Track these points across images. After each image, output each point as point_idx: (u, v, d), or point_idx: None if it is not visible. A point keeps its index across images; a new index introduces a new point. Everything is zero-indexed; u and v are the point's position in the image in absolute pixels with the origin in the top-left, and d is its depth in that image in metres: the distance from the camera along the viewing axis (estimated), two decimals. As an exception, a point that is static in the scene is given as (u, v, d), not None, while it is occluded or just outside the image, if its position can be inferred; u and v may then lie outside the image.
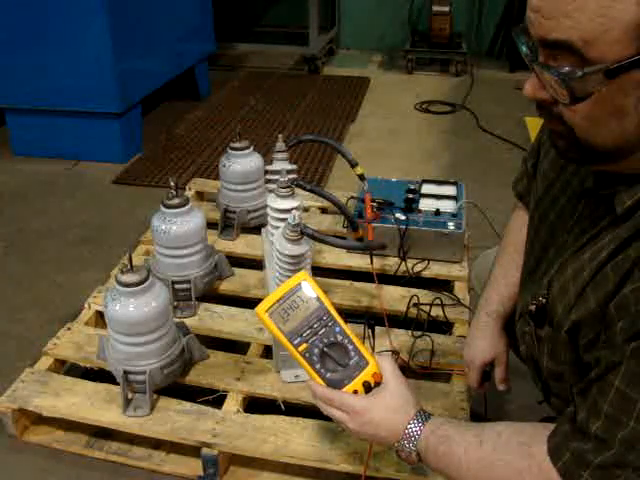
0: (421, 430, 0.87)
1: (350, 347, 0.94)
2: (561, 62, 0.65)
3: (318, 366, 0.92)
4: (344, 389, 0.92)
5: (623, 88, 0.63)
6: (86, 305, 1.66)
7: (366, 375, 0.93)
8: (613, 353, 0.71)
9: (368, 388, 0.92)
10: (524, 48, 0.72)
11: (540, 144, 1.05)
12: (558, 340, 0.85)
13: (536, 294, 0.91)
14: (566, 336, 0.82)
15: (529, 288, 0.98)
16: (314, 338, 0.93)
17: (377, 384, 0.93)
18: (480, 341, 1.15)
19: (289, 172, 1.50)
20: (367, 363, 0.94)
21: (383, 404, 0.90)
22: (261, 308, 0.93)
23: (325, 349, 0.93)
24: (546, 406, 1.06)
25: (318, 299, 0.95)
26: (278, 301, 0.93)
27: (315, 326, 0.94)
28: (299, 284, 0.95)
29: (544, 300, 0.88)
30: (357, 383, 0.92)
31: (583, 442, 0.73)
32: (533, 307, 0.90)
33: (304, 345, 0.92)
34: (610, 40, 0.61)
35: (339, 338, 0.94)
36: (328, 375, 0.92)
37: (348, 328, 0.96)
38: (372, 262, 1.57)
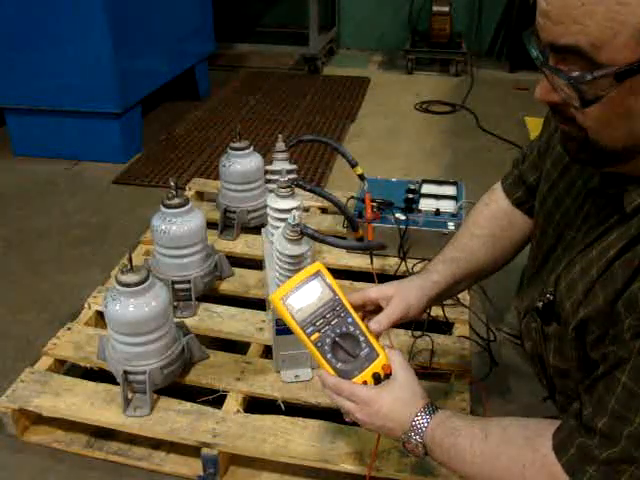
0: (428, 422, 0.88)
1: (361, 338, 0.95)
2: (571, 66, 0.66)
3: (329, 356, 0.93)
4: (354, 380, 0.93)
5: (632, 90, 0.64)
6: (86, 305, 1.66)
7: (376, 367, 0.94)
8: (620, 349, 0.72)
9: (377, 379, 0.93)
10: (534, 51, 0.72)
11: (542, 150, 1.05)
12: (565, 337, 0.85)
13: (543, 291, 0.91)
14: (573, 333, 0.82)
15: (535, 285, 0.99)
16: (326, 328, 0.94)
17: (387, 376, 0.94)
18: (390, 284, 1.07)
19: (289, 172, 1.50)
20: (377, 355, 0.94)
21: (392, 396, 0.91)
22: (276, 295, 0.94)
23: (337, 339, 0.94)
24: (547, 406, 1.06)
25: (332, 290, 0.96)
26: (293, 289, 0.94)
27: (328, 316, 0.94)
28: (314, 274, 0.97)
29: (551, 297, 0.88)
30: (367, 374, 0.93)
31: (589, 438, 0.73)
32: (540, 304, 0.91)
33: (316, 334, 0.93)
34: (618, 44, 0.61)
35: (351, 329, 0.95)
36: (339, 365, 0.93)
37: (360, 319, 0.97)
38: (372, 262, 1.57)
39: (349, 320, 0.96)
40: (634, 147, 0.71)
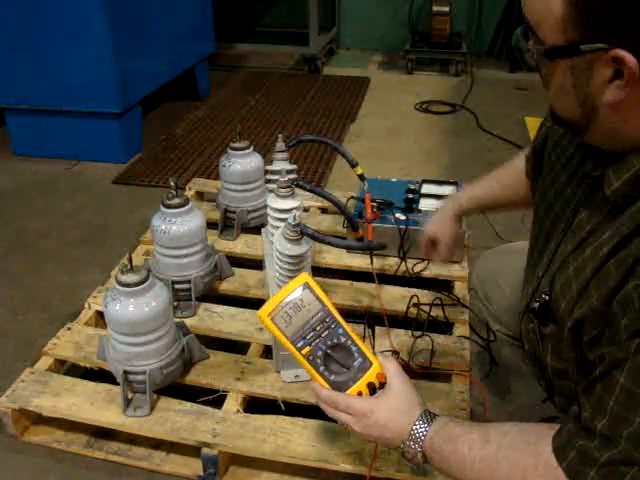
0: (427, 431, 0.87)
1: (353, 348, 0.94)
2: (529, 37, 0.76)
3: (322, 369, 0.92)
4: (348, 391, 0.92)
5: (560, 70, 0.73)
6: (86, 305, 1.66)
7: (370, 376, 0.93)
8: (617, 350, 0.71)
9: (373, 389, 0.92)
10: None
11: (544, 138, 1.07)
12: (562, 337, 0.85)
13: (538, 291, 0.91)
14: (570, 333, 0.82)
15: (530, 282, 0.99)
16: (317, 340, 0.93)
17: (381, 385, 0.93)
18: (434, 216, 1.45)
19: (289, 172, 1.50)
20: (371, 364, 0.93)
21: (388, 405, 0.90)
22: (263, 311, 0.93)
23: (329, 351, 0.93)
24: (546, 406, 1.06)
25: (320, 301, 0.95)
26: (280, 304, 0.93)
27: (318, 328, 0.93)
28: (301, 286, 0.95)
29: (547, 297, 0.88)
30: (361, 384, 0.92)
31: (589, 440, 0.73)
32: (536, 304, 0.91)
33: (307, 348, 0.92)
34: (548, 27, 0.70)
35: (342, 340, 0.94)
36: (332, 377, 0.92)
37: (351, 329, 0.95)
38: (372, 262, 1.57)
39: (340, 331, 0.94)
40: (578, 122, 0.77)
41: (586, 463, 0.72)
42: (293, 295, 0.94)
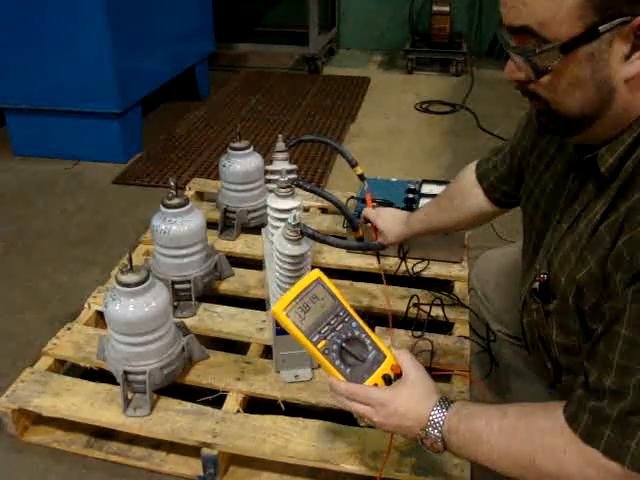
0: (445, 415, 0.88)
1: (367, 341, 0.95)
2: (527, 44, 0.75)
3: (338, 362, 0.93)
4: (364, 383, 0.93)
5: (577, 61, 0.73)
6: (86, 305, 1.66)
7: (385, 368, 0.94)
8: (615, 303, 0.73)
9: (388, 381, 0.94)
10: (502, 38, 0.81)
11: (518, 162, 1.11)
12: (566, 310, 0.86)
13: (537, 272, 0.93)
14: (573, 303, 0.84)
15: (528, 276, 1.00)
16: (332, 334, 0.94)
17: (397, 376, 0.94)
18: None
19: (289, 172, 1.50)
20: (385, 356, 0.95)
21: (406, 394, 0.91)
22: (278, 307, 0.94)
23: (343, 345, 0.94)
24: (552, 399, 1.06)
25: (333, 295, 0.96)
26: (294, 300, 0.94)
27: (332, 322, 0.95)
28: (314, 282, 0.96)
29: (545, 277, 0.90)
30: (377, 377, 0.93)
31: (599, 401, 0.74)
32: (537, 284, 0.92)
33: (323, 342, 0.93)
34: (559, 21, 0.70)
35: (356, 333, 0.95)
36: (348, 371, 0.93)
37: (364, 323, 0.97)
38: (379, 261, 1.57)
39: (354, 324, 0.96)
40: (590, 113, 0.77)
41: (600, 423, 0.73)
42: (307, 291, 0.95)
